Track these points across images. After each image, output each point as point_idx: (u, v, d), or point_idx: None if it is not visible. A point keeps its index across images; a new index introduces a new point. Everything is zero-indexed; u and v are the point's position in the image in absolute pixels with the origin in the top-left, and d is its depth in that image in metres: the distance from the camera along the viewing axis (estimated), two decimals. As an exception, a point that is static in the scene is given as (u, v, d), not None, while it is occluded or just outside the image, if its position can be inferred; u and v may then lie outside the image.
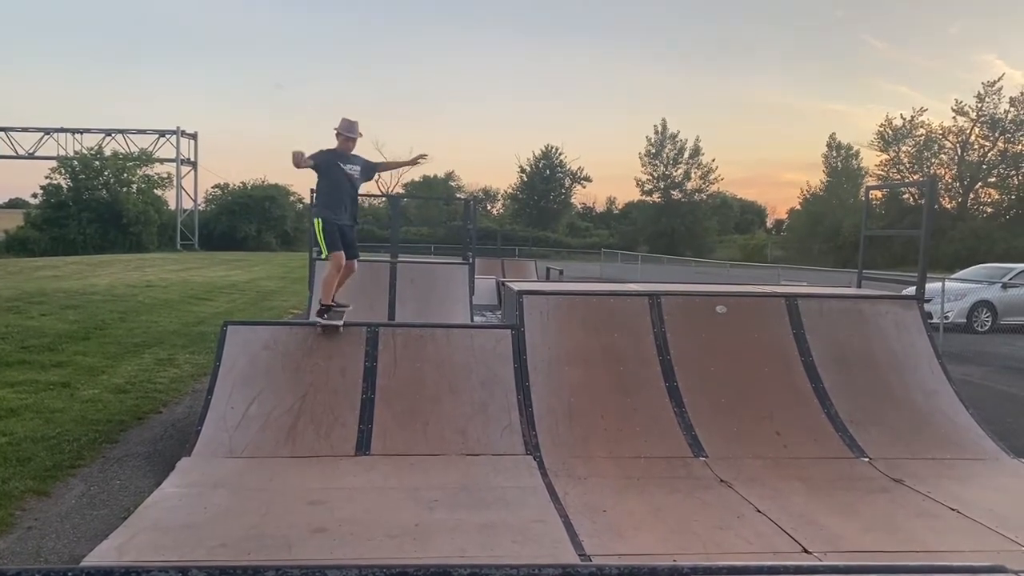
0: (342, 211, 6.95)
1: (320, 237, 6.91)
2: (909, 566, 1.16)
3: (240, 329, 6.34)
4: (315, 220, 6.97)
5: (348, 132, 6.87)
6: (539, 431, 5.81)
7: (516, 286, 7.07)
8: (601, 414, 5.95)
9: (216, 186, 56.30)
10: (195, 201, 53.28)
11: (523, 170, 71.27)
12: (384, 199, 45.39)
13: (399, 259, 12.00)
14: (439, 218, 57.68)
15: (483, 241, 31.08)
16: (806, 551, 4.09)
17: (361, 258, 7.71)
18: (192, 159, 52.98)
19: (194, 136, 52.55)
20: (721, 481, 5.19)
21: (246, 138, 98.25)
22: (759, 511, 4.62)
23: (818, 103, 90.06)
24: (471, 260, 12.39)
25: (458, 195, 67.58)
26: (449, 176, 73.19)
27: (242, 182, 55.79)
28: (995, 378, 10.61)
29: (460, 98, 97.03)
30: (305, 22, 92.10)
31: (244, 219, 51.88)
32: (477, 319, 10.82)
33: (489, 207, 75.16)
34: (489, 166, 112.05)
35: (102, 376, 8.09)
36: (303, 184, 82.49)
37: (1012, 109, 52.80)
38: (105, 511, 4.58)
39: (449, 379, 6.15)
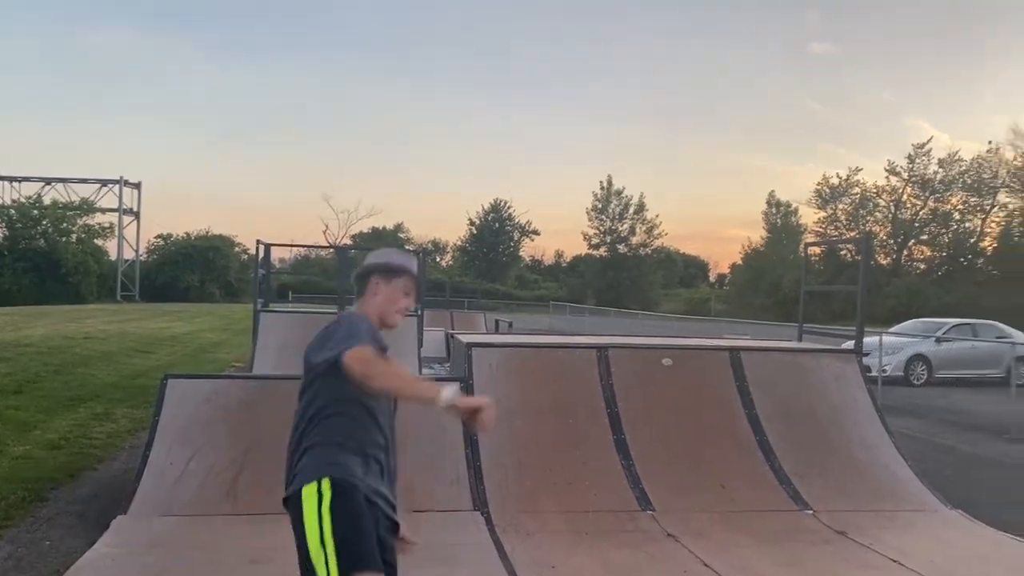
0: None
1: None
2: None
3: (180, 382, 6.19)
4: None
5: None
6: (487, 486, 5.76)
7: (465, 339, 7.07)
8: (550, 467, 5.93)
9: (159, 236, 55.52)
10: (137, 251, 52.33)
11: (472, 223, 71.85)
12: (331, 251, 45.14)
13: (346, 312, 11.90)
14: (388, 270, 57.44)
15: (432, 293, 31.05)
16: (753, 605, 4.10)
17: (306, 311, 7.27)
18: (135, 209, 52.15)
19: (137, 186, 51.90)
20: (668, 535, 5.19)
21: (192, 189, 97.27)
22: (705, 564, 4.63)
23: (758, 161, 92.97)
24: (420, 312, 12.35)
25: (407, 247, 67.62)
26: (398, 228, 73.31)
27: (186, 232, 55.08)
28: (932, 430, 10.88)
29: (411, 151, 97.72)
30: (252, 73, 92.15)
31: (187, 270, 51.08)
32: (426, 372, 10.75)
33: (438, 259, 75.30)
34: (439, 219, 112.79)
35: (34, 432, 7.80)
36: (249, 235, 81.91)
37: (940, 170, 55.26)
38: (33, 574, 4.38)
39: (398, 433, 6.05)
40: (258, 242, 12.85)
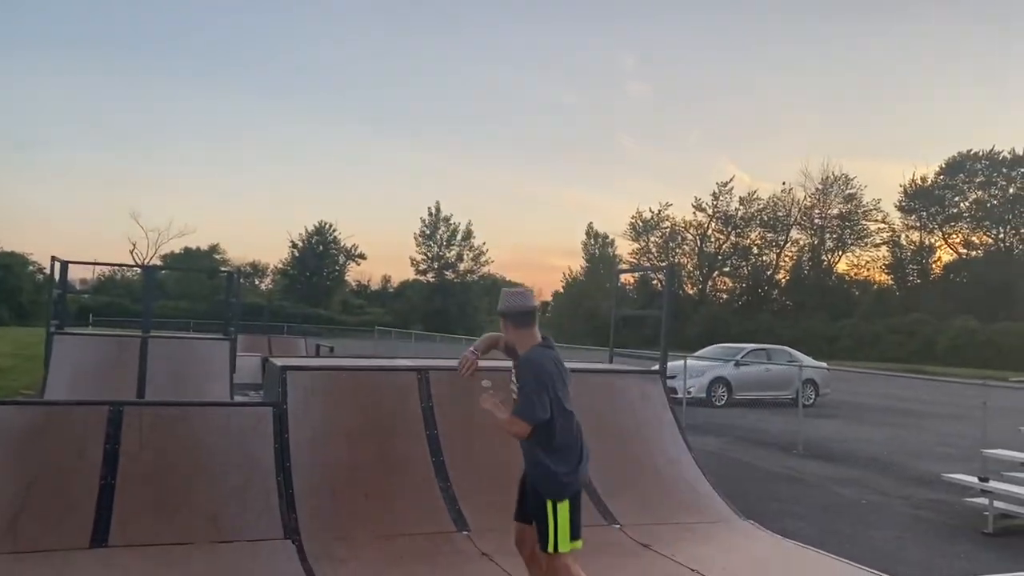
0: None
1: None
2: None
3: (-47, 411, 5.58)
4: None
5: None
6: (299, 514, 5.57)
7: (279, 362, 6.83)
8: (365, 492, 5.83)
9: (-61, 252, 49.92)
10: (-90, 268, 46.80)
11: (295, 245, 69.77)
12: (138, 270, 42.39)
13: (151, 334, 11.19)
14: (201, 292, 54.67)
15: (250, 317, 29.83)
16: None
17: (109, 334, 6.88)
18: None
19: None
20: (483, 554, 5.24)
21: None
22: (518, 582, 4.71)
23: (577, 194, 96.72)
24: (233, 336, 11.83)
25: (223, 268, 64.73)
26: (214, 248, 69.85)
27: (-30, 249, 49.92)
28: (729, 447, 11.70)
29: (227, 169, 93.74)
30: (46, 77, 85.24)
31: (-28, 290, 46.23)
32: (239, 398, 10.29)
33: (257, 282, 72.47)
34: (258, 240, 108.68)
35: None
36: (46, 253, 75.09)
37: (741, 207, 59.95)
38: None
39: (202, 461, 5.75)
40: (53, 259, 11.85)
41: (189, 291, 57.23)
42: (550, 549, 3.87)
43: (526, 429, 3.85)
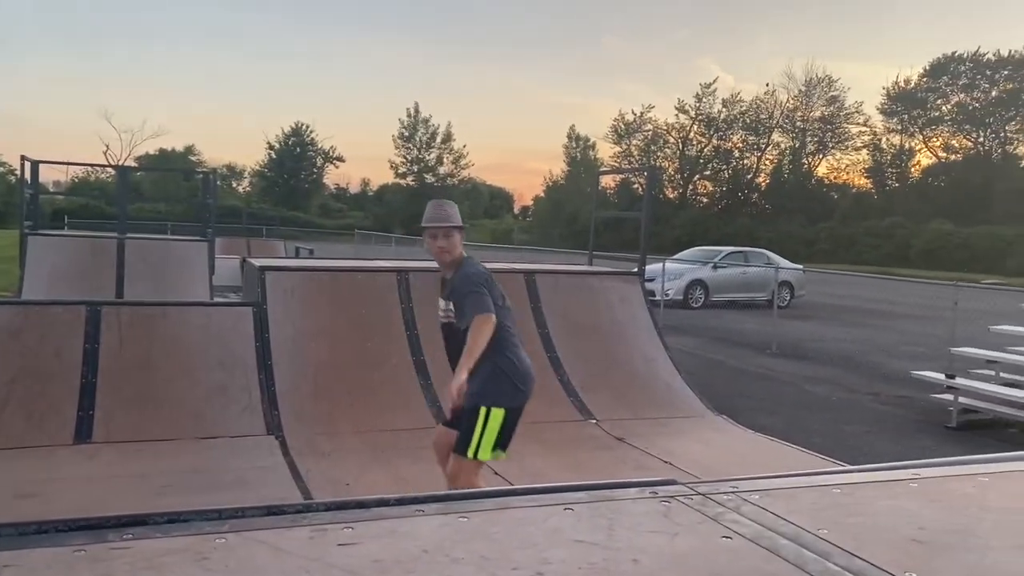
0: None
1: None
2: (595, 484, 1.29)
3: (-71, 310, 5.54)
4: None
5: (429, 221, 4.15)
6: (282, 410, 5.67)
7: (258, 262, 6.81)
8: (347, 390, 5.92)
9: (-99, 152, 48.53)
10: None
11: (271, 147, 68.43)
12: (112, 171, 41.60)
13: (128, 236, 11.07)
14: (178, 194, 53.86)
15: (228, 220, 29.50)
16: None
17: (85, 235, 6.76)
18: None
19: None
20: (463, 448, 5.38)
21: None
22: (497, 473, 4.85)
23: (559, 96, 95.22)
24: (211, 237, 11.73)
25: (198, 170, 63.64)
26: (189, 150, 68.46)
27: (-65, 149, 48.54)
28: (705, 347, 11.93)
29: (201, 70, 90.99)
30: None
31: (-62, 191, 45.23)
32: (217, 299, 10.28)
33: (235, 184, 71.43)
34: (234, 142, 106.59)
35: None
36: (12, 152, 73.28)
37: (724, 110, 59.23)
38: None
39: (183, 360, 5.80)
40: (23, 158, 11.57)
41: (165, 193, 56.34)
42: (469, 454, 3.75)
43: (490, 321, 3.69)
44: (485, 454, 3.78)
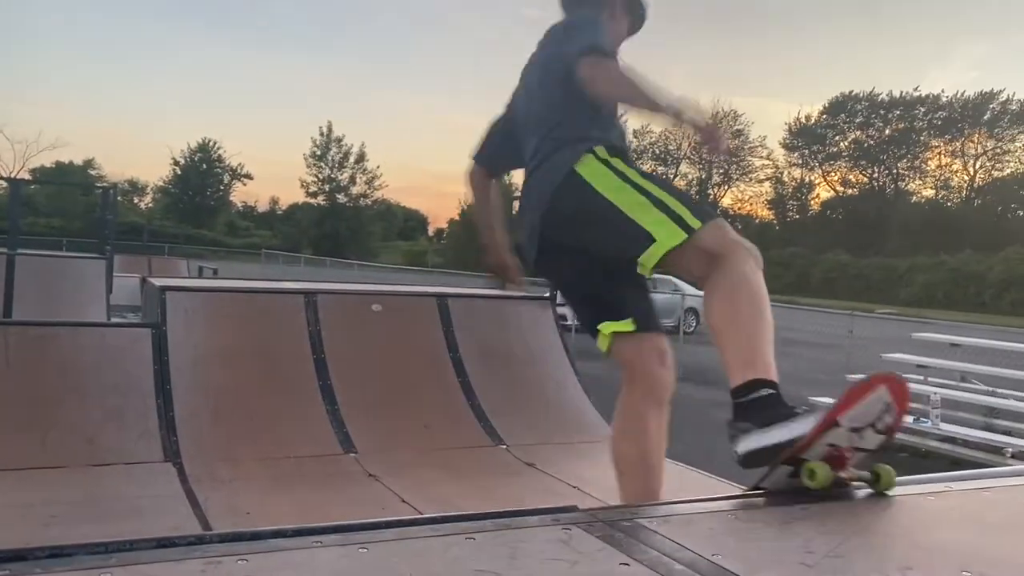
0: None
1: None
2: (497, 512, 1.29)
3: None
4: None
5: None
6: (180, 436, 5.45)
7: (158, 282, 6.57)
8: (249, 415, 5.74)
9: None
10: None
11: (176, 163, 66.52)
12: (4, 183, 39.63)
13: (19, 252, 10.53)
14: (75, 210, 51.66)
15: (128, 237, 28.48)
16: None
17: None
18: None
19: None
20: (369, 475, 5.29)
21: None
22: (403, 500, 4.78)
23: (473, 117, 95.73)
24: (109, 255, 11.28)
25: (98, 185, 61.22)
26: (89, 163, 65.88)
27: None
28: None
29: (101, 82, 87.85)
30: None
31: None
32: (115, 319, 9.87)
33: (136, 200, 69.04)
34: (137, 157, 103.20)
35: None
36: None
37: (634, 140, 60.86)
38: None
39: (75, 383, 5.52)
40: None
41: (62, 208, 53.98)
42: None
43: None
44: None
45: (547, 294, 7.96)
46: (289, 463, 5.41)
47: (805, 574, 1.16)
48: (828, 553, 1.25)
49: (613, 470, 4.45)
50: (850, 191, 58.19)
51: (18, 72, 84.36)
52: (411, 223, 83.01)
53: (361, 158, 63.89)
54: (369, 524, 1.25)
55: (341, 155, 63.96)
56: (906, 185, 56.51)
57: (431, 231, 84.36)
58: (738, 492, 2.05)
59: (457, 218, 66.45)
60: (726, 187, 61.22)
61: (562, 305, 10.82)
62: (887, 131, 56.29)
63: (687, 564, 1.18)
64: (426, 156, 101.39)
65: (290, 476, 5.19)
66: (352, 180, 64.23)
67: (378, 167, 64.93)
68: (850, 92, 57.08)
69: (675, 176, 59.71)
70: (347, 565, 1.14)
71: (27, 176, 57.36)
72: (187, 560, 1.12)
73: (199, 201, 65.38)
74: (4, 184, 43.04)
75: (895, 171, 56.54)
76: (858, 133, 57.58)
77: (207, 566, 1.10)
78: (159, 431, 5.48)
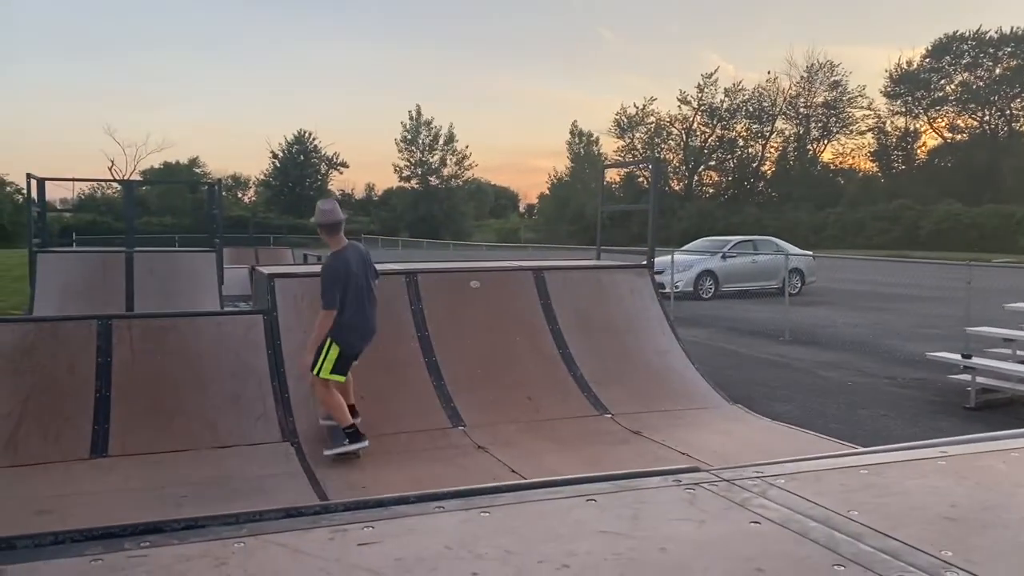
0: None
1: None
2: (617, 474, 1.27)
3: (-59, 330, 5.56)
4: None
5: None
6: (296, 417, 5.66)
7: (266, 270, 6.81)
8: (361, 394, 5.90)
9: (-91, 177, 48.83)
10: None
11: (275, 155, 68.49)
12: (118, 186, 41.80)
13: (136, 250, 11.09)
14: (184, 207, 54.04)
15: (235, 230, 29.62)
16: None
17: (93, 250, 6.86)
18: None
19: None
20: (479, 447, 5.36)
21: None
22: (513, 471, 4.83)
23: (560, 92, 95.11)
24: (218, 247, 11.75)
25: (204, 181, 63.78)
26: (194, 162, 68.60)
27: (-58, 171, 48.82)
28: (717, 337, 11.87)
29: (203, 82, 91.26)
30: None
31: (-53, 213, 45.47)
32: (228, 308, 10.29)
33: (240, 194, 71.59)
34: (238, 152, 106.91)
35: None
36: (15, 169, 73.54)
37: (726, 99, 59.04)
38: None
39: (196, 371, 5.80)
40: (29, 176, 11.60)
41: (172, 206, 56.55)
42: (315, 371, 5.16)
43: (329, 315, 5.14)
44: (325, 373, 5.17)
45: (644, 262, 7.86)
46: (403, 438, 5.55)
47: (952, 529, 1.10)
48: (975, 506, 1.17)
49: (722, 435, 4.32)
50: (959, 137, 54.95)
51: (124, 77, 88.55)
52: (502, 201, 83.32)
53: (450, 139, 64.36)
54: (489, 488, 1.25)
55: (431, 138, 64.67)
56: (1021, 127, 52.98)
57: (522, 207, 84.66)
58: (865, 449, 1.96)
59: (547, 192, 66.37)
60: (825, 141, 58.77)
61: (660, 272, 10.66)
62: (997, 70, 52.73)
63: (821, 521, 1.13)
64: (513, 133, 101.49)
65: (402, 451, 5.32)
66: (443, 162, 64.78)
67: (467, 147, 65.46)
68: (955, 32, 53.64)
69: (771, 132, 57.85)
70: (470, 528, 1.14)
71: (139, 177, 60.44)
72: (315, 529, 1.14)
73: (299, 191, 67.11)
74: (118, 187, 45.47)
75: (1008, 112, 53.03)
76: (965, 75, 54.16)
77: (334, 533, 1.12)
78: (276, 412, 5.70)
